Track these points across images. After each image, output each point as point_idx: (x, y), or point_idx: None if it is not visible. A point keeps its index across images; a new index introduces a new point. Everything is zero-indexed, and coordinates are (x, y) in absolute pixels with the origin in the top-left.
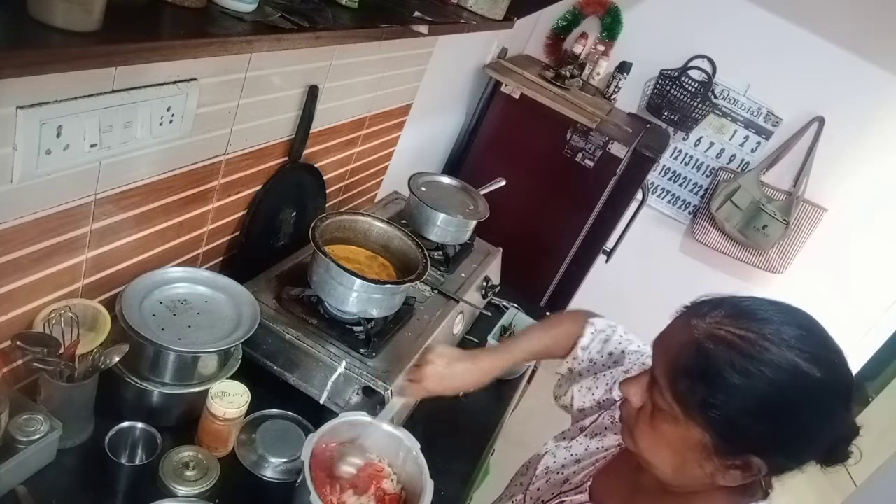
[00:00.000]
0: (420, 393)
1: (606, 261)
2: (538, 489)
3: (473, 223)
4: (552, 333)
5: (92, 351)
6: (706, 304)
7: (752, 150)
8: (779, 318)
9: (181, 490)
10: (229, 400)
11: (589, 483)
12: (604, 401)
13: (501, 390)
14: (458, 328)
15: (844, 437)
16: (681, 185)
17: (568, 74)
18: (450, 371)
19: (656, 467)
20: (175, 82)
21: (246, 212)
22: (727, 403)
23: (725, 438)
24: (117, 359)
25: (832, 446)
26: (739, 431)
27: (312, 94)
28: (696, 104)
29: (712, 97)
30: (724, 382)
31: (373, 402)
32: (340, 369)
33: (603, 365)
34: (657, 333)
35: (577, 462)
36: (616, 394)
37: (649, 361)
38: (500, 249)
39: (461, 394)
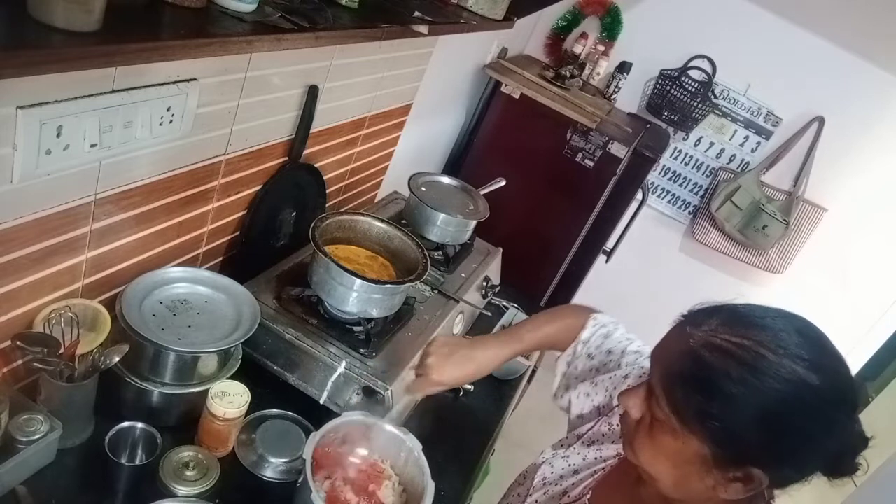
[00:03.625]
0: (428, 386)
1: (606, 261)
2: (536, 501)
3: (473, 223)
4: (557, 325)
5: (92, 351)
6: (702, 312)
7: (752, 150)
8: (776, 325)
9: (181, 490)
10: (229, 400)
11: (588, 496)
12: (603, 406)
13: (502, 390)
14: (458, 328)
15: (850, 448)
16: (681, 185)
17: (568, 74)
18: (457, 360)
19: (658, 480)
20: (175, 82)
21: (246, 212)
22: (724, 413)
23: (724, 449)
24: (117, 359)
25: (836, 457)
26: (738, 442)
27: (312, 94)
28: (696, 104)
29: (712, 97)
30: (721, 392)
31: (373, 402)
32: (340, 369)
33: (601, 363)
34: (657, 334)
35: (576, 473)
36: (616, 400)
37: (647, 363)
38: (500, 249)
39: (461, 393)
